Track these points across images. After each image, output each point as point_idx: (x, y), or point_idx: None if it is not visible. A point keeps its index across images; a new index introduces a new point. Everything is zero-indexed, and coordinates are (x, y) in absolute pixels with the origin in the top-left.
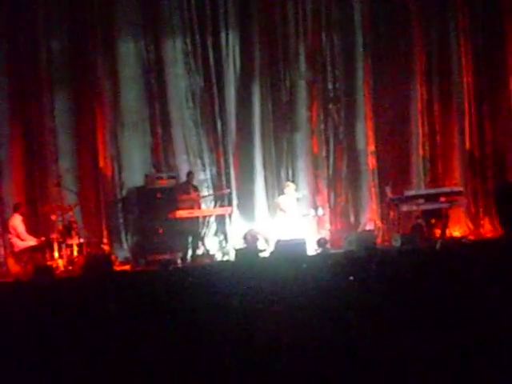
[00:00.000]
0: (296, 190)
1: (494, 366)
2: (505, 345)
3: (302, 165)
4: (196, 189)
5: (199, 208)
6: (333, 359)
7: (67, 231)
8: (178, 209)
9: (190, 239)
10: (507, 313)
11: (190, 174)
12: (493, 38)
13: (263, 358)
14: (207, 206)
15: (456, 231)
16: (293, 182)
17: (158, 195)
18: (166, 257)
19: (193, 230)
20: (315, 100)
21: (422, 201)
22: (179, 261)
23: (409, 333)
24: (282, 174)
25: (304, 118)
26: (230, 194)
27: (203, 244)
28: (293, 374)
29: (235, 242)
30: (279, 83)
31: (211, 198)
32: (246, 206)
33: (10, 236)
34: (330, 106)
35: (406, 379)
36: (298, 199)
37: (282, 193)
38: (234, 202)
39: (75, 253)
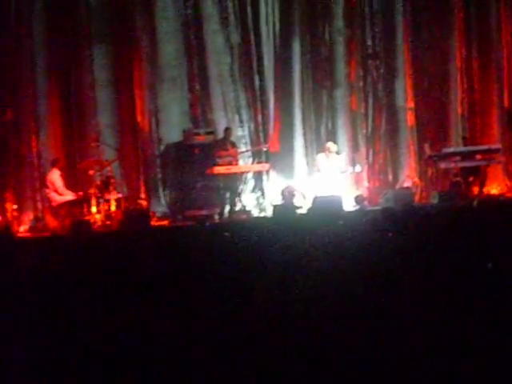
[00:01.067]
0: (336, 148)
1: None
2: None
3: (341, 121)
4: (234, 145)
5: (237, 164)
6: (367, 316)
7: (105, 186)
8: (216, 165)
9: (228, 195)
10: None
11: (227, 130)
12: None
13: (300, 314)
14: (245, 163)
15: (494, 189)
16: (332, 140)
17: (196, 151)
18: (204, 212)
19: (230, 185)
20: (354, 56)
21: (459, 158)
22: (217, 216)
23: (445, 290)
24: (322, 131)
25: (343, 74)
26: (268, 150)
27: (240, 200)
28: (329, 330)
29: (273, 199)
30: (318, 39)
31: (249, 154)
32: (284, 162)
33: (47, 191)
34: (369, 62)
35: (440, 337)
36: (337, 153)
37: (320, 150)
38: (272, 158)
39: (113, 208)
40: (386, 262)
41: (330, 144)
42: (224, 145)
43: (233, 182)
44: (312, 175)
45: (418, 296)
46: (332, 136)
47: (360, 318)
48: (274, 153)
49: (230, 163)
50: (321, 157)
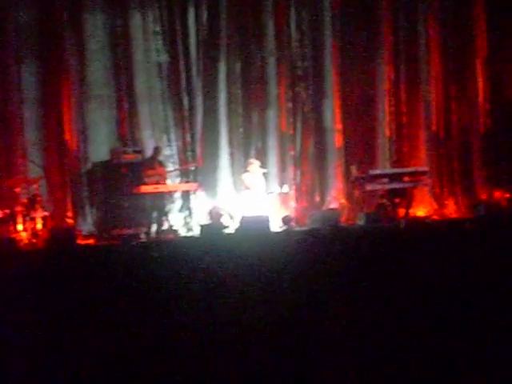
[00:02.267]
0: (262, 166)
1: (452, 341)
2: (454, 319)
3: (271, 142)
4: (162, 164)
5: (165, 183)
6: (294, 334)
7: (31, 204)
8: (144, 184)
9: (155, 214)
10: (463, 289)
11: (156, 149)
12: (461, 20)
13: (226, 332)
14: (173, 182)
15: (420, 211)
16: (259, 160)
17: (124, 169)
18: (131, 231)
19: (158, 205)
20: (283, 77)
21: (386, 180)
22: (143, 236)
23: (370, 309)
24: (251, 151)
25: (274, 95)
26: (196, 169)
27: (168, 219)
28: (255, 348)
29: (200, 218)
30: (248, 60)
31: (177, 173)
32: (211, 182)
33: None
34: (298, 83)
35: (366, 354)
36: (264, 174)
37: (247, 170)
38: (199, 177)
39: (39, 226)
40: (312, 282)
41: (252, 160)
42: (152, 164)
43: (160, 201)
44: (239, 195)
45: (344, 314)
46: (261, 156)
47: (286, 337)
48: (201, 172)
49: (157, 182)
50: (246, 176)
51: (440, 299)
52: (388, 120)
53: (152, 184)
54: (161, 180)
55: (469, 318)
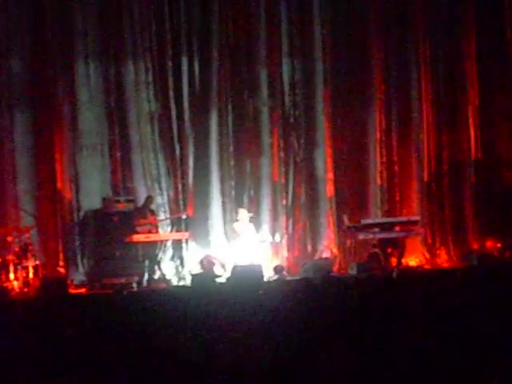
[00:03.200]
0: (250, 214)
1: None
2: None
3: (264, 191)
4: (153, 213)
5: (157, 232)
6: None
7: (23, 253)
8: (136, 233)
9: (147, 263)
10: (460, 338)
11: (148, 198)
12: (453, 68)
13: (218, 382)
14: (164, 231)
15: (412, 261)
16: (253, 209)
17: (115, 219)
18: (122, 281)
19: (149, 254)
20: (275, 127)
21: (378, 229)
22: (135, 285)
23: (362, 359)
24: (244, 200)
25: (266, 144)
26: (187, 218)
27: (159, 268)
28: None
29: (191, 267)
30: (240, 109)
31: (168, 222)
32: (202, 231)
33: None
34: (290, 133)
35: None
36: (252, 220)
37: (237, 219)
38: (191, 227)
39: (31, 275)
40: (304, 331)
41: (240, 210)
42: (143, 213)
43: (152, 251)
44: (231, 244)
45: (336, 363)
46: (253, 205)
47: None
48: (192, 221)
49: (149, 231)
50: (237, 225)
51: (432, 349)
52: (379, 169)
53: (144, 233)
54: (152, 229)
55: (461, 366)
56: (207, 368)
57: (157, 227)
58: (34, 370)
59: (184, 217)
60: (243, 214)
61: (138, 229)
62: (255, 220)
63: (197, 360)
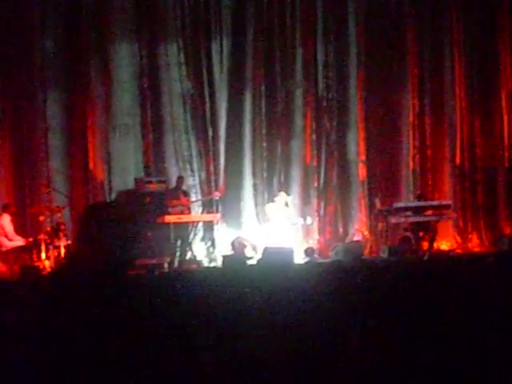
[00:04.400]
0: (286, 198)
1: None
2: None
3: (294, 173)
4: (186, 194)
5: (189, 213)
6: (317, 369)
7: (55, 232)
8: (168, 214)
9: (178, 244)
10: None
11: (179, 179)
12: (486, 52)
13: (248, 366)
14: (195, 212)
15: (444, 245)
16: (285, 191)
17: (147, 199)
18: (154, 261)
19: (181, 235)
20: (308, 109)
21: (410, 213)
22: (166, 266)
23: (393, 343)
24: (274, 182)
25: (298, 126)
26: (219, 200)
27: (191, 250)
28: (275, 381)
29: (223, 249)
30: (273, 91)
31: (199, 203)
32: (234, 212)
33: None
34: (323, 115)
35: None
36: (287, 205)
37: (271, 201)
38: (223, 208)
39: (62, 254)
40: (335, 316)
41: (280, 193)
42: (176, 194)
43: (183, 232)
44: (262, 226)
45: (367, 350)
46: (284, 187)
47: (309, 373)
48: (224, 203)
49: (181, 212)
50: (270, 207)
51: (463, 334)
52: (412, 153)
53: (176, 214)
54: (185, 210)
55: (490, 353)
56: (235, 349)
57: (189, 208)
58: (62, 348)
59: (216, 198)
60: (281, 198)
61: (170, 210)
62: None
63: (225, 341)
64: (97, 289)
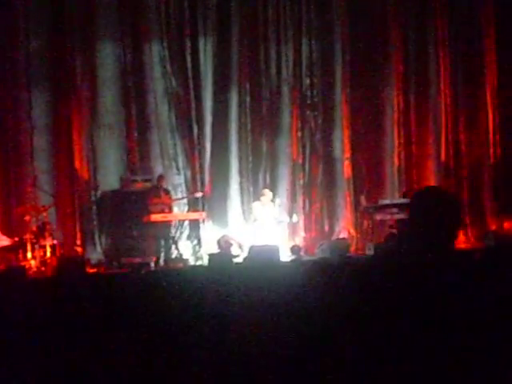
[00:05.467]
0: (273, 196)
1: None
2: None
3: (281, 171)
4: (167, 192)
5: (170, 212)
6: (303, 367)
7: (41, 232)
8: (149, 212)
9: (163, 243)
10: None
11: (160, 178)
12: (471, 49)
13: (234, 364)
14: (181, 210)
15: None
16: (270, 189)
17: (133, 198)
18: (140, 260)
19: (165, 233)
20: (293, 107)
21: (396, 210)
22: (152, 264)
23: (380, 341)
24: (260, 180)
25: (284, 124)
26: (204, 198)
27: (177, 248)
28: (263, 380)
29: (209, 247)
30: (258, 89)
31: (185, 202)
32: (220, 211)
33: None
34: (308, 112)
35: None
36: (274, 204)
37: (257, 199)
38: (208, 206)
39: (48, 254)
40: (321, 312)
41: (265, 191)
42: (157, 192)
43: (167, 230)
44: (248, 224)
45: (352, 348)
46: (270, 185)
47: (295, 371)
48: (210, 201)
49: (163, 211)
50: (256, 205)
51: (449, 331)
52: (397, 150)
53: (158, 212)
54: (165, 209)
55: (479, 353)
56: (222, 349)
57: (170, 207)
58: (49, 348)
59: (199, 196)
60: (267, 196)
61: (151, 208)
62: (274, 200)
63: (212, 340)
64: (84, 289)
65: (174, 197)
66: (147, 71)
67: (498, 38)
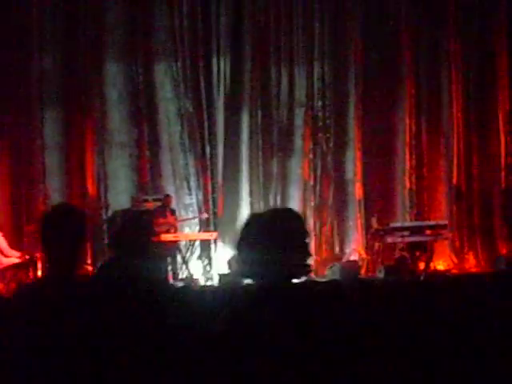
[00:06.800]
0: None
1: None
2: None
3: (292, 192)
4: (173, 212)
5: (175, 232)
6: None
7: None
8: (156, 232)
9: (173, 262)
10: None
11: (166, 197)
12: (484, 72)
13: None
14: (192, 230)
15: (440, 265)
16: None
17: (144, 217)
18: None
19: (171, 253)
20: (305, 128)
21: (407, 233)
22: None
23: (388, 362)
24: (271, 201)
25: (295, 145)
26: (216, 218)
27: (187, 268)
28: None
29: (220, 267)
30: (270, 110)
31: (196, 221)
32: (231, 231)
33: None
34: (319, 134)
35: None
36: None
37: None
38: (220, 227)
39: None
40: (329, 335)
41: None
42: (163, 212)
43: (174, 250)
44: None
45: (364, 371)
46: (281, 206)
47: None
48: (221, 221)
49: (168, 231)
50: None
51: (460, 354)
52: (408, 172)
53: (163, 232)
54: (171, 229)
55: (488, 373)
56: (233, 366)
57: (175, 228)
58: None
59: (205, 217)
60: None
61: (158, 228)
62: None
63: (222, 360)
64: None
65: (181, 217)
66: (159, 91)
67: (511, 63)
